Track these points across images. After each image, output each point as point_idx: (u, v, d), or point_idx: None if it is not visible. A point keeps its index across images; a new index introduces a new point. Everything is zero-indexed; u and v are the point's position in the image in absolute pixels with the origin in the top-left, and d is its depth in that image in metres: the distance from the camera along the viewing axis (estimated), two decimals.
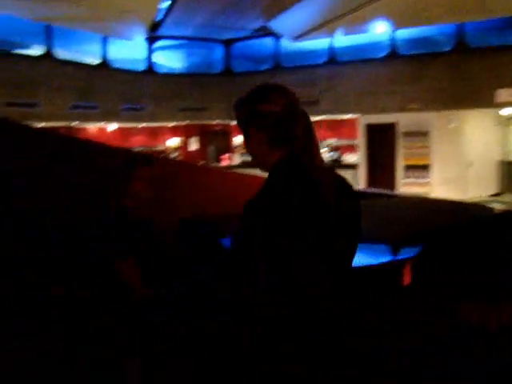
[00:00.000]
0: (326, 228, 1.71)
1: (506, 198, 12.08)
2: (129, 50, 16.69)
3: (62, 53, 14.54)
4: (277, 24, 15.54)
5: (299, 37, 15.84)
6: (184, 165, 6.53)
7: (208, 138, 19.58)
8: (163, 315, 2.36)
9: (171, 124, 19.13)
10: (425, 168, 15.08)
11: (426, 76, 14.59)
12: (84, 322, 2.54)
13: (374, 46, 15.67)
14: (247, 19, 15.67)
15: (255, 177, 3.47)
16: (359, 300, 1.93)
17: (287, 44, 16.68)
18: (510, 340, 3.02)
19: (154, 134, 19.59)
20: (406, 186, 15.26)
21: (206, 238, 3.50)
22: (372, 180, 15.84)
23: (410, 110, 14.77)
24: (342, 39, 15.86)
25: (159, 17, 15.32)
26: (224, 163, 18.07)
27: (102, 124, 17.23)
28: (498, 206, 6.91)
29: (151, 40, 16.80)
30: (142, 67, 16.94)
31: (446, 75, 14.38)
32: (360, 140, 16.28)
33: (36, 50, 14.60)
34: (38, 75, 13.96)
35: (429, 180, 15.02)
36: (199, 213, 3.89)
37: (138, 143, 18.59)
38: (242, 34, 17.17)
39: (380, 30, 14.92)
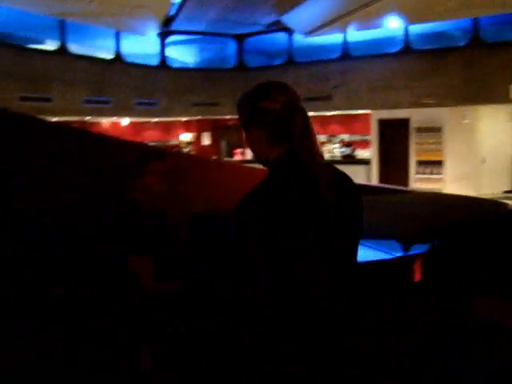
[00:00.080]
0: (326, 225, 1.71)
1: None
2: (142, 45, 16.73)
3: (75, 48, 14.59)
4: (289, 19, 15.49)
5: (312, 32, 15.78)
6: (197, 159, 6.54)
7: (220, 132, 19.59)
8: (163, 315, 2.38)
9: (184, 119, 19.17)
10: (438, 164, 14.98)
11: (440, 71, 14.47)
12: (84, 322, 2.53)
13: (387, 41, 15.58)
14: (260, 14, 15.63)
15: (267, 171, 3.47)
16: (365, 297, 1.92)
17: (300, 39, 16.62)
18: None
19: (167, 128, 19.65)
20: (419, 181, 15.18)
21: (219, 233, 3.51)
22: (384, 176, 15.76)
23: (424, 105, 14.67)
24: (354, 34, 15.78)
25: (172, 12, 15.32)
26: (237, 158, 18.08)
27: (115, 118, 17.29)
28: (511, 203, 6.85)
29: (164, 35, 16.81)
30: (155, 62, 16.96)
31: (459, 70, 14.25)
32: (372, 135, 16.21)
33: (50, 45, 14.67)
34: (51, 70, 14.03)
35: (442, 176, 14.92)
36: (212, 207, 3.89)
37: (150, 138, 18.65)
38: (254, 28, 17.13)
39: (393, 25, 14.82)
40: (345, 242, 1.77)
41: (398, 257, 3.28)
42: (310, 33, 15.92)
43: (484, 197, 8.95)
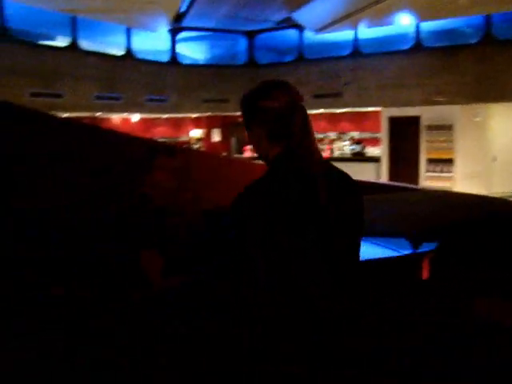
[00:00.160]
0: (325, 224, 1.71)
1: None
2: (153, 42, 16.76)
3: (86, 44, 14.64)
4: (300, 16, 15.47)
5: (323, 29, 15.74)
6: (206, 156, 6.54)
7: (230, 129, 19.60)
8: (164, 315, 2.38)
9: (194, 115, 19.19)
10: (448, 162, 14.90)
11: (451, 69, 14.38)
12: (84, 322, 2.53)
13: (398, 38, 15.51)
14: (271, 11, 15.62)
15: None
16: (368, 295, 1.92)
17: (311, 36, 16.59)
18: None
19: (177, 125, 19.67)
20: (429, 179, 15.11)
21: (228, 230, 3.51)
22: (394, 173, 15.71)
23: (436, 102, 14.59)
24: (365, 31, 15.72)
25: (183, 8, 15.33)
26: (246, 155, 18.08)
27: (125, 115, 17.35)
28: None
29: (175, 31, 16.83)
30: (165, 58, 16.98)
31: (471, 68, 14.16)
32: (383, 133, 16.16)
33: (61, 42, 14.73)
34: (63, 66, 14.08)
35: (452, 174, 14.85)
36: (222, 204, 3.89)
37: (161, 134, 18.71)
38: (265, 25, 17.11)
39: (404, 22, 14.75)
40: (344, 241, 1.77)
41: (406, 255, 3.27)
42: (320, 30, 15.89)
43: (495, 195, 8.90)
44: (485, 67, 13.93)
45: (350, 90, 16.06)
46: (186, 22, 16.32)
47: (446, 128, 14.85)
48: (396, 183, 9.07)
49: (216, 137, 19.97)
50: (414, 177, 15.20)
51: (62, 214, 2.80)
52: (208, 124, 19.84)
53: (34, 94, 13.11)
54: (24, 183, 2.74)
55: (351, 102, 16.21)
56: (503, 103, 14.14)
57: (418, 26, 14.90)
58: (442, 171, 15.04)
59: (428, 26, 14.82)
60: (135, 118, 17.89)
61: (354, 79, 15.99)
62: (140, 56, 16.11)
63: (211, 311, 2.29)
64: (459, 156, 14.77)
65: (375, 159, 16.38)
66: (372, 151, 16.99)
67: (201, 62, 19.08)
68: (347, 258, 1.78)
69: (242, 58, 18.22)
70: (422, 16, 14.26)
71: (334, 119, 18.12)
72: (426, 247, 3.30)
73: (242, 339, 1.80)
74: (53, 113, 4.15)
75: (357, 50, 16.02)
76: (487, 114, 14.43)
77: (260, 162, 1.98)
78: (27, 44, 13.44)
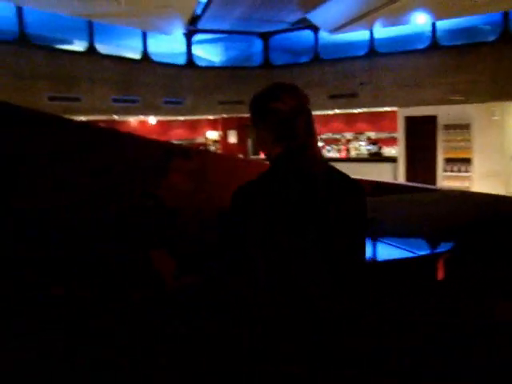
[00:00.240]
0: (325, 224, 1.72)
1: None
2: (168, 44, 16.85)
3: (103, 48, 14.77)
4: (315, 16, 15.44)
5: (338, 29, 15.70)
6: (223, 157, 6.56)
7: (247, 130, 19.63)
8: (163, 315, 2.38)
9: (210, 117, 19.26)
10: (466, 161, 14.78)
11: (468, 67, 14.26)
12: (84, 322, 2.52)
13: (414, 37, 15.42)
14: (285, 12, 15.61)
15: None
16: (373, 295, 1.91)
17: (326, 36, 16.55)
18: None
19: (194, 127, 19.77)
20: (446, 179, 15.00)
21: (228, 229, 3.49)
22: (411, 173, 15.62)
23: (452, 101, 14.48)
24: (381, 31, 15.66)
25: (198, 11, 15.40)
26: (263, 156, 18.06)
27: (142, 117, 17.46)
28: None
29: (190, 34, 16.91)
30: (181, 61, 17.07)
31: (488, 66, 14.02)
32: (399, 133, 16.07)
33: (78, 46, 14.87)
34: (80, 70, 14.22)
35: (470, 174, 14.73)
36: None
37: (177, 136, 18.81)
38: (280, 26, 17.12)
39: (420, 21, 14.67)
40: (344, 241, 1.77)
41: (422, 255, 3.26)
42: (335, 30, 15.84)
43: None
44: (503, 65, 13.78)
45: (365, 90, 16.01)
46: (201, 25, 16.38)
47: (463, 127, 14.74)
48: (413, 184, 9.01)
49: (232, 138, 20.01)
50: (431, 176, 15.10)
51: (62, 213, 2.80)
52: (224, 126, 19.89)
53: (51, 98, 13.26)
54: (26, 183, 2.74)
55: (367, 102, 16.15)
56: None
57: (433, 25, 14.80)
58: (459, 171, 14.92)
59: (444, 24, 14.70)
60: (152, 120, 17.99)
61: (370, 79, 15.93)
62: (156, 59, 16.20)
63: (211, 311, 2.29)
64: (477, 155, 14.64)
65: (392, 159, 16.28)
66: (389, 151, 16.90)
67: (216, 64, 19.15)
68: (347, 258, 1.78)
69: (257, 60, 18.25)
70: (438, 15, 14.16)
71: (350, 119, 18.07)
72: (442, 247, 3.29)
73: (242, 339, 1.81)
74: (70, 116, 4.17)
75: (372, 50, 15.96)
76: (505, 112, 14.29)
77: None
78: (45, 49, 13.60)
